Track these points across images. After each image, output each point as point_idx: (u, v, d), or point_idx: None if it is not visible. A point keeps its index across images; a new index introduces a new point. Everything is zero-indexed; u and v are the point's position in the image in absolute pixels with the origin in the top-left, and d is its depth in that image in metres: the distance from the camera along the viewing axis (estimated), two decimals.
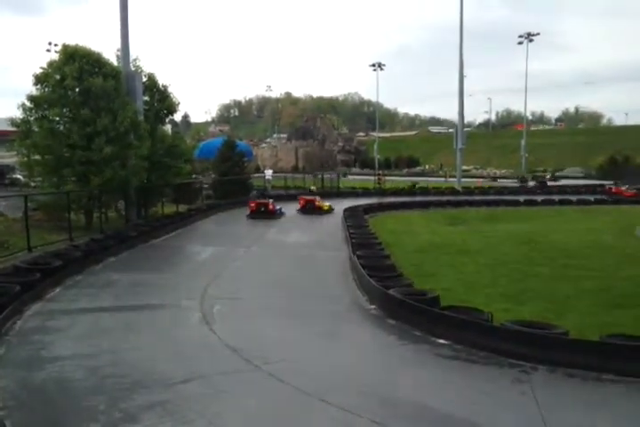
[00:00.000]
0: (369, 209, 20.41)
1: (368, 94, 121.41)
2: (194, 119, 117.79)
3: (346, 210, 18.34)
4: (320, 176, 32.33)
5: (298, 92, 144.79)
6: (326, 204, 21.07)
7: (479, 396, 4.90)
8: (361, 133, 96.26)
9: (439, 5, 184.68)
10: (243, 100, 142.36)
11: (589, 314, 7.34)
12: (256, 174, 33.65)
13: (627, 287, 8.79)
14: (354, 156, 72.57)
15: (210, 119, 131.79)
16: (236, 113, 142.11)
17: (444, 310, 6.62)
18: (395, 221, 18.55)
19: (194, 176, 25.46)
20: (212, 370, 5.38)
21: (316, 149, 68.24)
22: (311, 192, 24.07)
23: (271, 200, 20.07)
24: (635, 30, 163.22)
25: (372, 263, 9.21)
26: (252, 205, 19.40)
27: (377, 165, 60.13)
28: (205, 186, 25.44)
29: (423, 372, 5.51)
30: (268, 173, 32.74)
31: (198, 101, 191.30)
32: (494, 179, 41.12)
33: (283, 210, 19.79)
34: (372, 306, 7.69)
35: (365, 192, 30.46)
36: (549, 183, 37.75)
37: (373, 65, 62.86)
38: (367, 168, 63.61)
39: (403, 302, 6.85)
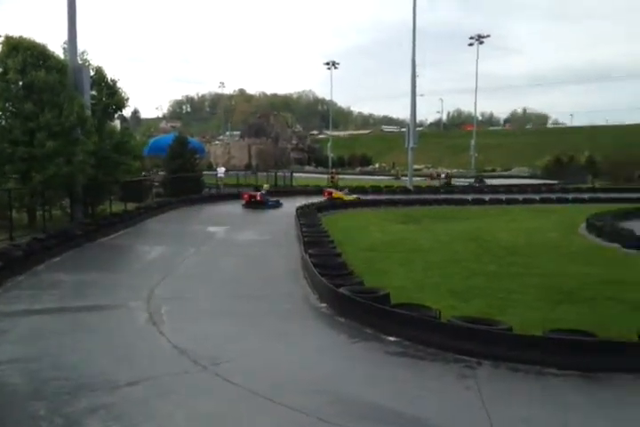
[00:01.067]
0: (322, 207, 20.45)
1: (322, 92, 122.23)
2: (144, 115, 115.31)
3: (299, 208, 18.33)
4: (273, 174, 32.25)
5: (251, 89, 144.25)
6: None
7: (426, 392, 4.98)
8: (315, 132, 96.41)
9: (392, 5, 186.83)
10: (195, 97, 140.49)
11: (533, 310, 7.57)
12: (208, 172, 33.21)
13: (570, 284, 9.09)
14: (307, 154, 72.60)
15: (161, 115, 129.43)
16: (189, 109, 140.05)
17: (395, 307, 6.69)
18: (347, 219, 18.66)
19: (143, 173, 24.92)
20: (159, 372, 5.28)
21: (270, 146, 67.87)
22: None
23: (263, 192, 22.11)
24: (579, 34, 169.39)
25: (324, 262, 9.23)
26: (245, 196, 21.69)
27: (330, 164, 60.42)
28: (156, 184, 24.95)
29: (372, 369, 5.56)
30: (221, 170, 32.35)
31: (149, 97, 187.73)
32: (432, 177, 41.76)
33: (280, 201, 21.72)
34: (323, 304, 7.71)
35: (319, 190, 30.53)
36: (492, 182, 38.69)
37: (328, 63, 63.13)
38: (321, 166, 63.83)
39: (353, 300, 6.90)
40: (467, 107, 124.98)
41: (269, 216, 19.20)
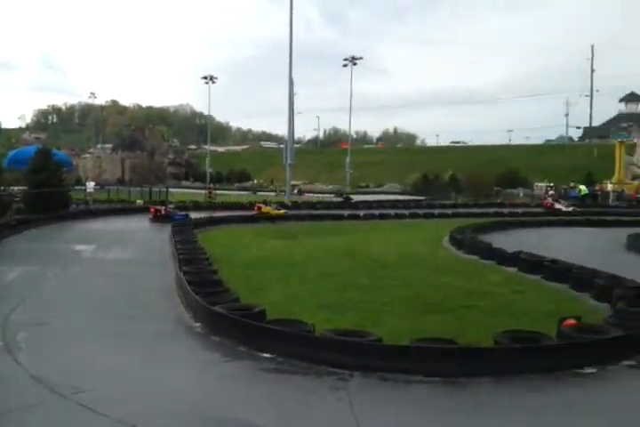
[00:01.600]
0: (199, 223, 20.07)
1: (200, 106, 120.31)
2: (5, 125, 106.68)
3: (174, 225, 17.84)
4: (148, 189, 31.16)
5: (125, 101, 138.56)
6: None
7: (299, 407, 5.02)
8: (193, 146, 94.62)
9: (268, 22, 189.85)
10: (63, 107, 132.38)
11: (403, 320, 7.93)
12: (77, 187, 31.35)
13: (436, 294, 9.66)
14: (185, 169, 71.05)
15: (24, 126, 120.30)
16: (55, 120, 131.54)
17: (270, 323, 6.70)
18: (224, 235, 18.46)
19: (1, 188, 22.99)
20: (13, 404, 4.84)
21: (145, 160, 65.56)
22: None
23: (171, 206, 23.65)
24: (444, 60, 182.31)
25: (199, 279, 9.04)
26: (152, 210, 22.77)
27: (209, 179, 59.53)
28: (17, 199, 23.09)
29: (247, 388, 5.51)
30: (90, 185, 30.70)
31: (11, 106, 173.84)
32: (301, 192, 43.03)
33: (189, 215, 22.32)
34: (197, 323, 7.53)
35: (196, 206, 29.98)
36: (367, 198, 40.30)
37: (205, 77, 62.44)
38: (199, 182, 62.71)
39: (227, 318, 6.81)
40: (342, 125, 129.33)
41: (141, 233, 18.49)
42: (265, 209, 25.37)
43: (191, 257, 11.41)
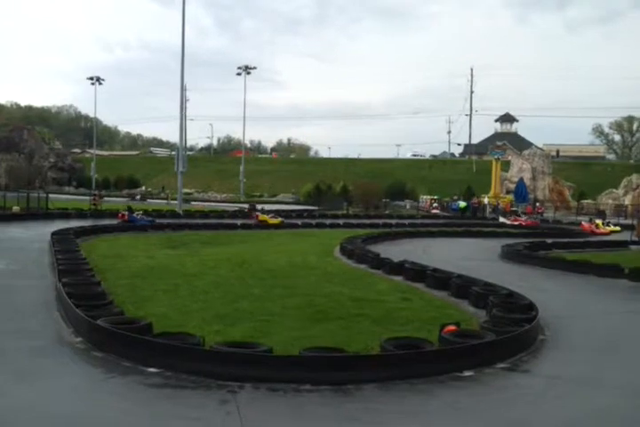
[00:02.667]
0: (81, 232, 19.04)
1: (86, 108, 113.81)
2: None
3: (54, 233, 16.79)
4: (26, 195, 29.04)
5: (1, 99, 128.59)
6: None
7: (187, 422, 4.89)
8: (77, 150, 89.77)
9: (161, 26, 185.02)
10: None
11: (293, 330, 7.97)
12: None
13: (326, 303, 9.81)
14: (68, 174, 67.14)
15: None
16: None
17: (156, 337, 6.48)
18: (110, 244, 17.64)
19: None
20: None
21: (23, 163, 61.14)
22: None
23: (131, 211, 25.16)
24: (337, 74, 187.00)
25: (80, 291, 8.56)
26: (119, 215, 24.96)
27: (94, 185, 56.74)
28: None
29: (129, 405, 5.28)
30: None
31: None
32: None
33: (154, 220, 24.76)
34: (79, 339, 7.11)
35: (80, 214, 28.43)
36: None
37: (92, 78, 59.68)
38: (83, 188, 59.54)
39: (111, 333, 6.50)
40: (237, 134, 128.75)
41: (20, 243, 17.20)
42: (262, 217, 27.44)
43: (72, 268, 10.79)
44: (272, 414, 5.11)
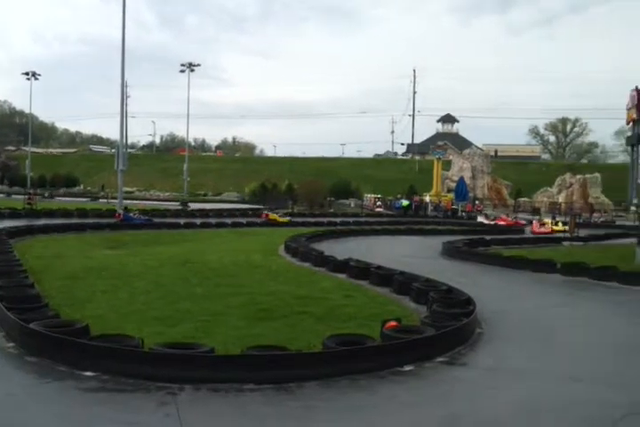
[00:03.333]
0: (15, 233, 18.28)
1: (21, 104, 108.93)
2: None
3: None
4: None
5: None
6: None
7: (124, 426, 4.77)
8: (11, 147, 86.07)
9: (100, 20, 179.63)
10: None
11: (237, 329, 7.92)
12: None
13: (269, 302, 9.78)
14: (1, 172, 64.27)
15: None
16: None
17: (93, 339, 6.30)
18: (46, 245, 17.01)
19: None
20: None
21: None
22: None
23: (136, 211, 27.91)
24: (281, 72, 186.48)
25: (13, 294, 8.22)
26: (116, 215, 26.15)
27: (29, 184, 54.61)
28: None
29: (64, 410, 5.10)
30: None
31: None
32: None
33: (151, 219, 26.83)
34: (11, 344, 6.82)
35: (13, 213, 27.28)
36: (205, 206, 39.94)
37: (27, 73, 57.26)
38: (18, 186, 57.13)
39: (45, 336, 6.26)
40: (180, 131, 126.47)
41: None
42: (272, 216, 29.37)
43: (4, 269, 10.34)
44: (213, 414, 5.06)
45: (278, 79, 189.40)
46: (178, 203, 43.44)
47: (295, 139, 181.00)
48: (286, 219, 29.51)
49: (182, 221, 27.19)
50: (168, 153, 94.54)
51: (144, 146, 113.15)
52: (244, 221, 28.91)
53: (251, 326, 8.11)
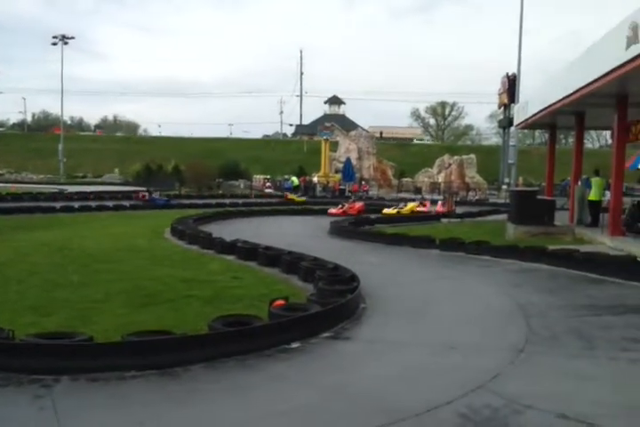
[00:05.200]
0: None
1: None
2: None
3: None
4: None
5: None
6: None
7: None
8: None
9: None
10: None
11: (118, 316, 7.61)
12: None
13: (154, 286, 9.48)
14: None
15: None
16: None
17: None
18: None
19: None
20: None
21: None
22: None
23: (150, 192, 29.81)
24: (164, 48, 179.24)
25: None
26: (141, 196, 29.78)
27: None
28: None
29: None
30: None
31: None
32: None
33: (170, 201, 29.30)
34: None
35: None
36: (86, 189, 37.83)
37: None
38: None
39: None
40: (55, 109, 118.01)
41: None
42: (291, 196, 32.89)
43: None
44: (92, 405, 4.83)
45: (162, 56, 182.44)
46: (54, 185, 40.65)
47: (181, 118, 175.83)
48: (303, 199, 33.19)
49: (58, 204, 25.56)
50: (41, 132, 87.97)
51: (14, 124, 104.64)
52: (127, 204, 27.75)
53: (133, 313, 7.83)
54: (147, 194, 29.73)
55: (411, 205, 26.34)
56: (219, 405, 4.90)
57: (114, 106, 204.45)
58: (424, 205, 26.94)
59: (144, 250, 13.61)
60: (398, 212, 24.85)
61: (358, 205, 26.31)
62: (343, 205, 25.71)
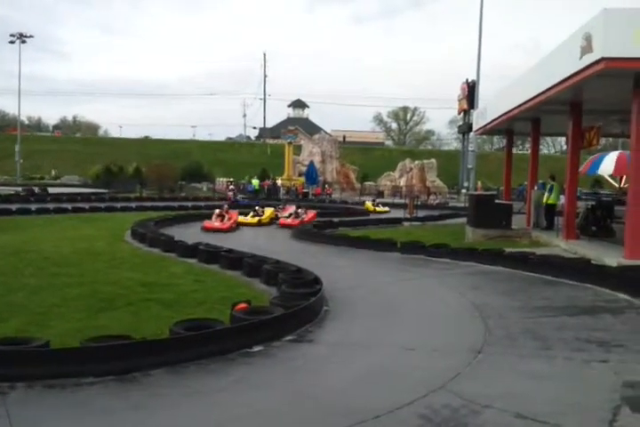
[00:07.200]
0: None
1: None
2: None
3: None
4: None
5: None
6: None
7: None
8: None
9: None
10: None
11: (75, 321, 7.45)
12: None
13: (114, 291, 9.31)
14: None
15: None
16: None
17: None
18: None
19: None
20: None
21: None
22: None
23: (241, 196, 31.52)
24: (127, 48, 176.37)
25: None
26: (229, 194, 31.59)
27: None
28: None
29: None
30: None
31: None
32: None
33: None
34: None
35: None
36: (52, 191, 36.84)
37: None
38: None
39: None
40: (11, 109, 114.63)
41: None
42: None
43: None
44: (48, 413, 4.72)
45: (126, 57, 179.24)
46: (20, 189, 39.18)
47: (143, 119, 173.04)
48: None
49: (14, 207, 24.82)
50: None
51: None
52: (86, 206, 27.13)
53: (92, 318, 7.68)
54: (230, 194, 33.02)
55: (269, 211, 23.31)
56: (181, 410, 4.84)
57: (75, 106, 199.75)
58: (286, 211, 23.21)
59: (103, 253, 13.35)
60: (259, 221, 22.03)
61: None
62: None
